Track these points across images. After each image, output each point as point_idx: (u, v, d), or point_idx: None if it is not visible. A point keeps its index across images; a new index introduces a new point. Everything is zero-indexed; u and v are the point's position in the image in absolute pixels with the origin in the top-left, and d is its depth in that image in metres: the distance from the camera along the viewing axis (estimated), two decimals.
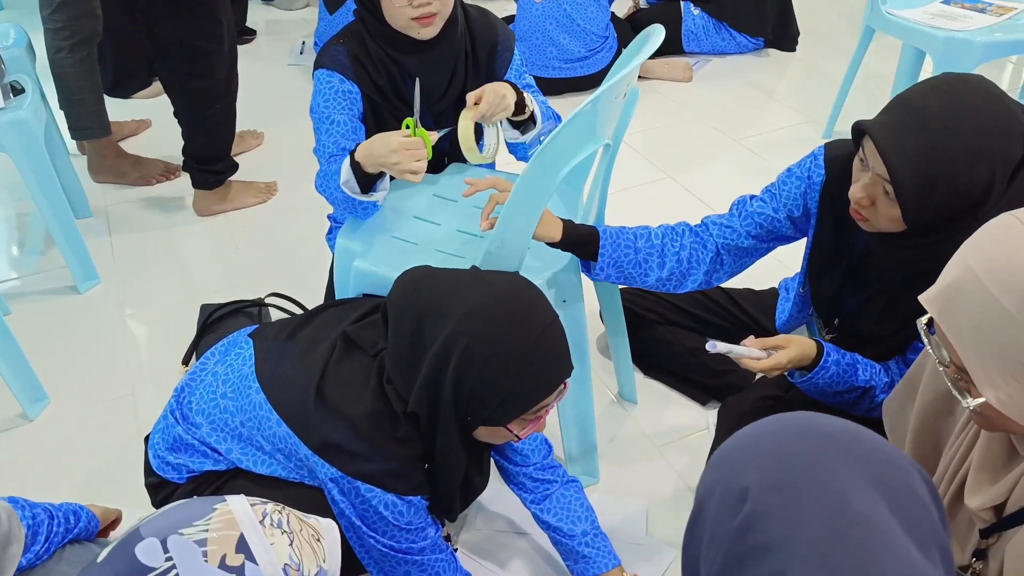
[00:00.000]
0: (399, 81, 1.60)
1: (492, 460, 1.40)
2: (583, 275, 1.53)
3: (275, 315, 2.10)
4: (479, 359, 1.08)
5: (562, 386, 1.16)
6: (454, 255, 1.56)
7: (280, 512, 0.83)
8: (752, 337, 1.39)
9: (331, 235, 1.89)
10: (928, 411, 1.10)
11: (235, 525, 0.78)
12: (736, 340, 1.38)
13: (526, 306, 1.12)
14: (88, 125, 2.61)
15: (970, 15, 2.42)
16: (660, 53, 1.78)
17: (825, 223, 1.40)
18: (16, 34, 2.30)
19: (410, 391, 1.13)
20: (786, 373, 1.40)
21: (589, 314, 1.60)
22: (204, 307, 2.07)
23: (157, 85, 2.85)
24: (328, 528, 0.86)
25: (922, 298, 0.89)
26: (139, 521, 0.80)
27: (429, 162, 1.80)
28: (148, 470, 1.37)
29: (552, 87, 3.02)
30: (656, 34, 1.41)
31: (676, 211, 2.52)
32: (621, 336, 1.83)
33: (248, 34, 3.68)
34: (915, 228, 1.18)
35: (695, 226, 1.50)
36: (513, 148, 1.70)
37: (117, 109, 2.82)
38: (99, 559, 0.77)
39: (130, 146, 2.81)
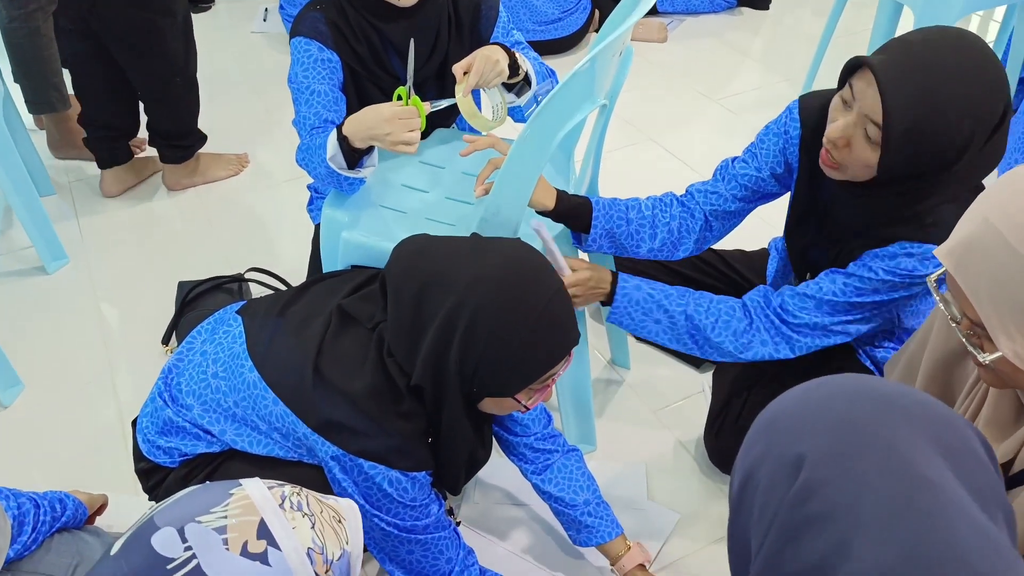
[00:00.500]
0: (380, 49, 1.54)
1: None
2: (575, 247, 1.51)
3: (255, 290, 2.05)
4: (485, 331, 1.05)
5: (570, 354, 1.13)
6: (445, 223, 1.52)
7: (298, 494, 0.79)
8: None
9: (312, 205, 1.83)
10: (936, 372, 1.10)
11: (254, 510, 0.75)
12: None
13: (532, 274, 1.09)
14: (46, 99, 2.49)
15: None
16: None
17: (803, 176, 1.41)
18: None
19: (412, 364, 1.10)
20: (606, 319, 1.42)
21: None
22: (182, 284, 2.01)
23: None
24: (349, 508, 0.83)
25: (937, 252, 0.88)
26: (151, 510, 0.76)
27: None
28: (137, 455, 1.32)
29: None
30: None
31: (659, 174, 2.51)
32: None
33: (205, 1, 3.54)
34: (882, 179, 1.18)
35: (681, 196, 1.49)
36: (510, 111, 1.65)
37: None
38: (112, 551, 0.73)
39: (157, 178, 2.57)
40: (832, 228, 1.37)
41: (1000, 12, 2.92)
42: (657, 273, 1.89)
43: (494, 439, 1.38)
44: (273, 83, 2.86)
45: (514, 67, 1.45)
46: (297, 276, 2.03)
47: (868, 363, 1.53)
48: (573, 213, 1.40)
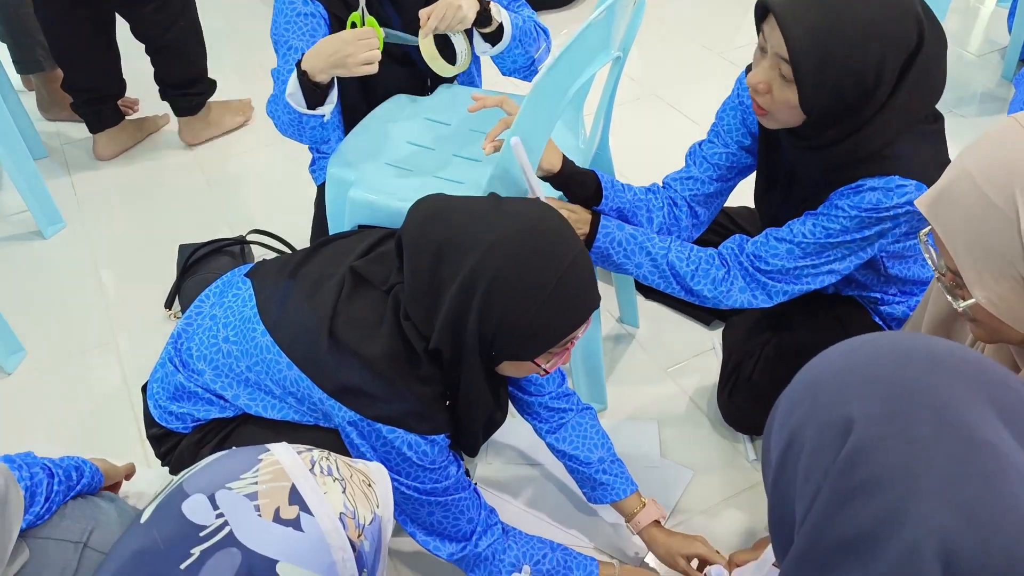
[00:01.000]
0: None
1: None
2: None
3: (258, 252, 2.02)
4: (505, 295, 1.02)
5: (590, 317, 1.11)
6: (454, 181, 1.49)
7: (327, 459, 0.77)
8: None
9: (314, 166, 1.80)
10: (935, 332, 1.10)
11: (285, 476, 0.73)
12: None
13: (552, 237, 1.06)
14: (33, 57, 2.43)
15: None
16: None
17: (762, 143, 1.41)
18: None
19: (430, 327, 1.08)
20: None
21: None
22: (183, 247, 1.98)
23: None
24: (377, 471, 0.81)
25: (918, 202, 0.90)
26: (179, 477, 0.74)
27: (416, 85, 1.72)
28: (149, 421, 1.30)
29: None
30: None
31: (665, 130, 2.47)
32: None
33: None
34: (814, 119, 1.18)
35: (661, 189, 1.48)
36: (498, 62, 1.61)
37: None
38: (142, 519, 0.71)
39: (151, 140, 2.52)
40: (799, 189, 1.36)
41: None
42: None
43: (509, 399, 1.37)
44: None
45: (486, 16, 1.44)
46: (299, 237, 1.99)
47: (878, 320, 1.52)
48: (576, 181, 1.36)
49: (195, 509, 0.69)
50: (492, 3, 1.47)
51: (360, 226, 1.49)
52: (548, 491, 1.55)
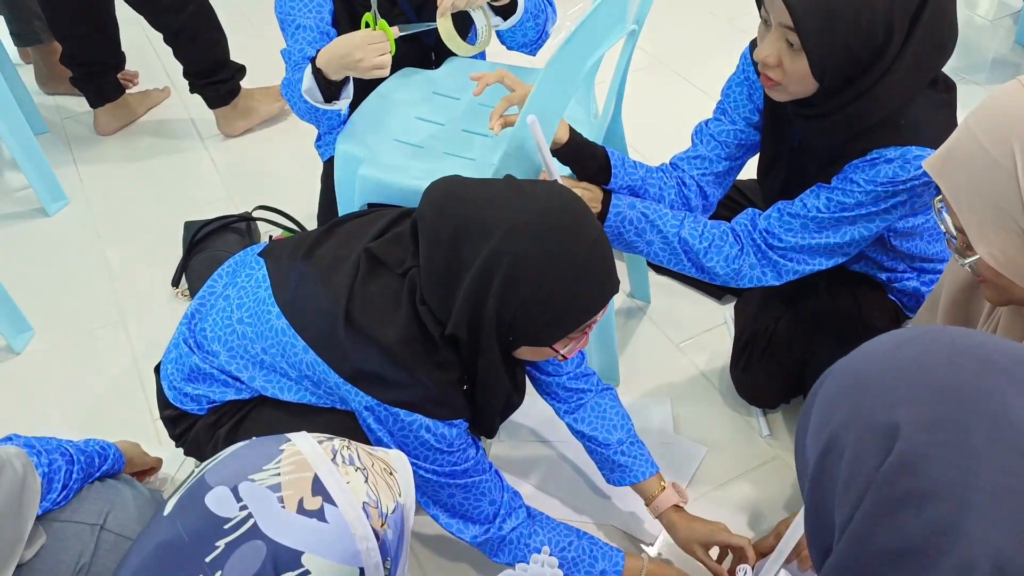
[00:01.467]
0: None
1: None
2: None
3: (264, 229, 2.00)
4: (524, 281, 1.01)
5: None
6: (465, 158, 1.47)
7: (348, 448, 0.77)
8: None
9: (320, 141, 1.77)
10: (955, 301, 1.09)
11: (307, 466, 0.72)
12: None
13: (572, 221, 1.04)
14: (31, 29, 2.39)
15: None
16: None
17: (767, 120, 1.38)
18: None
19: (446, 313, 1.06)
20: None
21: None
22: (188, 224, 1.96)
23: None
24: (398, 459, 0.81)
25: (926, 165, 0.90)
26: (200, 469, 0.73)
27: (423, 59, 1.68)
28: (163, 402, 1.30)
29: None
30: None
31: (673, 100, 2.43)
32: None
33: None
34: (827, 85, 1.16)
35: (670, 169, 1.44)
36: (506, 36, 1.58)
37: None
38: (165, 512, 0.71)
39: (153, 114, 2.49)
40: (808, 165, 1.33)
41: None
42: None
43: (527, 378, 1.36)
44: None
45: None
46: (306, 213, 1.98)
47: (891, 296, 1.51)
48: (585, 154, 1.33)
49: (219, 501, 0.69)
50: None
51: (370, 204, 1.47)
52: (561, 469, 1.55)
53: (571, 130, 1.32)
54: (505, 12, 1.50)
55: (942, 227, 0.92)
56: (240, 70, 2.31)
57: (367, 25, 1.41)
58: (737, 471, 1.53)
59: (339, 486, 0.72)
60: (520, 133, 1.29)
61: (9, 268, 1.96)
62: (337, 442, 0.77)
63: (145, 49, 2.31)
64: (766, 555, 1.27)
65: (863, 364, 0.60)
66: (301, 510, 0.70)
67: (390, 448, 1.14)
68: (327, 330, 1.10)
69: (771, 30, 1.16)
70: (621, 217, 1.31)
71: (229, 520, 0.68)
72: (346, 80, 1.44)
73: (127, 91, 2.40)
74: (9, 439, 1.15)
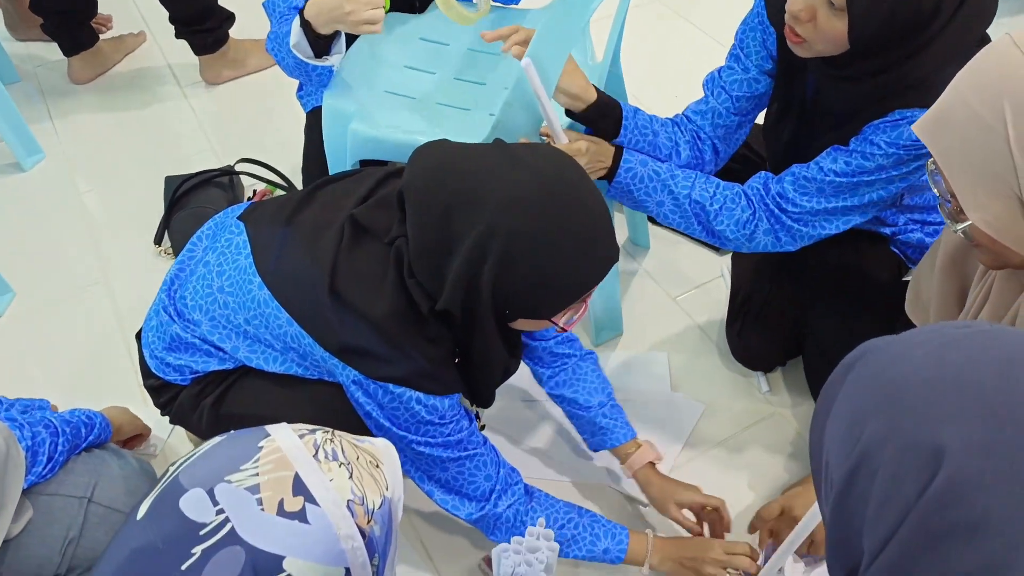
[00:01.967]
0: None
1: None
2: None
3: (247, 183, 1.93)
4: (520, 258, 0.95)
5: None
6: (460, 108, 1.40)
7: (331, 440, 0.73)
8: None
9: (301, 91, 1.69)
10: (951, 262, 1.06)
11: (287, 464, 0.68)
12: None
13: (570, 192, 0.98)
14: None
15: None
16: None
17: (780, 68, 1.30)
18: None
19: (437, 288, 1.01)
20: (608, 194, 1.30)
21: None
22: (169, 179, 1.89)
23: None
24: (385, 450, 0.77)
25: (915, 128, 0.87)
26: (175, 468, 0.69)
27: (405, 2, 1.59)
28: (145, 371, 1.26)
29: None
30: None
31: (691, 53, 2.32)
32: None
33: None
34: (856, 49, 1.09)
35: (686, 122, 1.37)
36: None
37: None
38: (138, 516, 0.67)
39: (130, 61, 2.37)
40: (822, 119, 1.27)
41: None
42: None
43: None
44: None
45: None
46: (289, 165, 1.91)
47: (895, 249, 1.46)
48: (611, 117, 1.27)
49: (194, 505, 0.65)
50: None
51: (362, 162, 1.41)
52: (547, 431, 1.52)
53: (597, 89, 1.25)
54: None
55: (935, 191, 0.88)
56: (229, 18, 2.21)
57: None
58: (736, 428, 1.51)
59: (321, 484, 0.68)
60: (523, 81, 1.21)
61: None
62: (319, 435, 0.73)
63: None
64: (768, 521, 1.25)
65: (900, 368, 0.54)
66: (281, 512, 0.66)
67: (381, 422, 1.12)
68: (312, 302, 1.05)
69: None
70: (632, 174, 1.26)
71: (205, 525, 0.64)
72: (336, 34, 1.36)
73: (101, 36, 2.30)
74: None
